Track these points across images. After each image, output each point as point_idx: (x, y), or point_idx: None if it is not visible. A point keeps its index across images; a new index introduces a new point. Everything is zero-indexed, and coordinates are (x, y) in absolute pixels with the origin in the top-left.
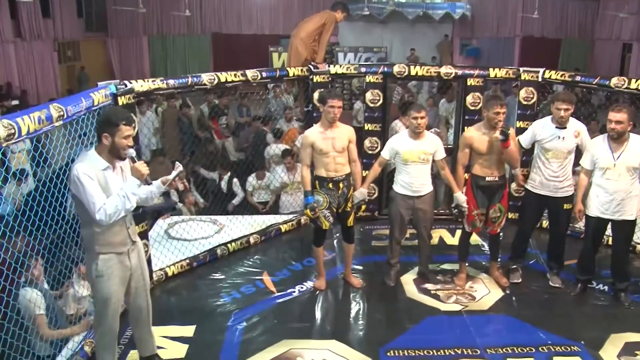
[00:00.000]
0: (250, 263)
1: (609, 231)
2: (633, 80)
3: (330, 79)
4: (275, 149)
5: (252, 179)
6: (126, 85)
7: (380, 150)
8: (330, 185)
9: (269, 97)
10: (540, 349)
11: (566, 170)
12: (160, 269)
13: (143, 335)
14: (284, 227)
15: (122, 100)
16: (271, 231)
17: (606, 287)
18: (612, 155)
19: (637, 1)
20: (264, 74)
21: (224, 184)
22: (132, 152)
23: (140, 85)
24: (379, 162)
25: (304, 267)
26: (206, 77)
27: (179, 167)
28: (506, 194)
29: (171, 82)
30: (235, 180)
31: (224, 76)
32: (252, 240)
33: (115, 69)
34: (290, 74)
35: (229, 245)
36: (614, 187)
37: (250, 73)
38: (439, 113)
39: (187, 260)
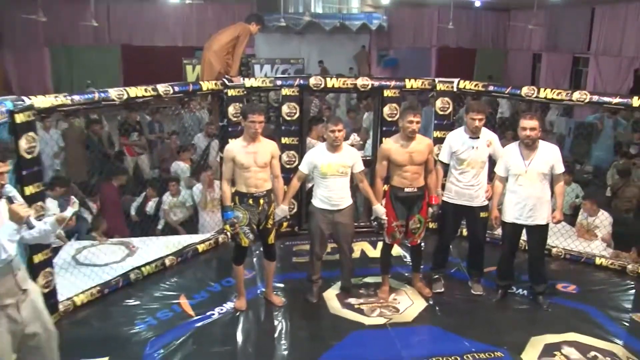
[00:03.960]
0: (167, 286)
1: (525, 236)
2: (542, 90)
3: (245, 92)
4: (182, 166)
5: (166, 197)
6: (24, 102)
7: (298, 164)
8: (251, 201)
9: (182, 112)
10: (465, 357)
11: (480, 180)
12: (68, 299)
13: None
14: (201, 247)
15: (20, 118)
16: (188, 252)
17: (525, 291)
18: (523, 162)
19: (543, 14)
20: (176, 89)
21: (150, 206)
22: (8, 190)
23: (41, 101)
24: (297, 176)
25: (223, 287)
26: (114, 93)
27: (74, 202)
28: (425, 205)
29: (76, 97)
30: (150, 202)
31: (134, 91)
32: (167, 262)
33: (12, 83)
34: (204, 88)
35: (143, 268)
36: (526, 193)
37: (162, 88)
38: (363, 125)
39: (98, 287)
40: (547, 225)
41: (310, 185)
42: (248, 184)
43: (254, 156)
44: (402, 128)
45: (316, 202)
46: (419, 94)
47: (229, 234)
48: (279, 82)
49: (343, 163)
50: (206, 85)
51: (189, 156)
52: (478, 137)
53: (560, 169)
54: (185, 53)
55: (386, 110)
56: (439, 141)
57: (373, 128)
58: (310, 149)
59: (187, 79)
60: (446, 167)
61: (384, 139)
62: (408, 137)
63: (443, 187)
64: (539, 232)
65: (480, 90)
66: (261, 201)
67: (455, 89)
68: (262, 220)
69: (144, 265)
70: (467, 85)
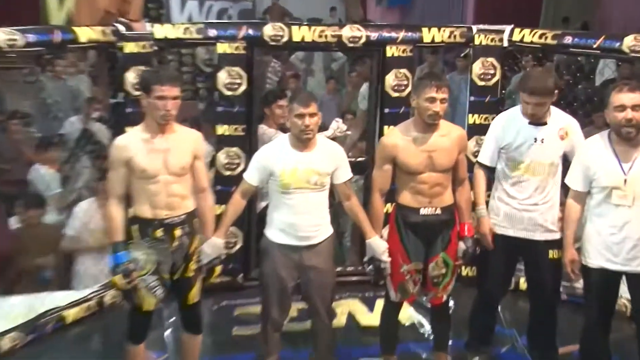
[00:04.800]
0: None
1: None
2: None
3: (155, 48)
4: (43, 173)
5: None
6: None
7: (244, 170)
8: (159, 232)
9: (42, 80)
10: None
11: (549, 194)
12: None
13: None
14: (70, 315)
15: None
16: (47, 323)
17: None
18: (620, 166)
19: None
20: (30, 38)
21: None
22: None
23: None
24: (242, 190)
25: None
26: None
27: None
28: (454, 238)
29: None
30: None
31: None
32: (6, 344)
33: None
34: (81, 39)
35: None
36: (626, 218)
37: (3, 35)
38: (360, 107)
39: None
40: None
41: (263, 204)
42: (155, 204)
43: (163, 157)
44: (417, 110)
45: (273, 232)
46: (444, 53)
47: (121, 289)
48: (212, 32)
49: (318, 168)
50: (85, 33)
51: (58, 156)
52: (545, 123)
53: None
54: None
55: (390, 79)
56: (477, 131)
57: (369, 110)
58: (264, 144)
59: (49, 22)
60: (490, 173)
61: (386, 128)
62: (426, 125)
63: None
64: None
65: (549, 44)
66: (177, 232)
67: (505, 43)
68: (178, 264)
69: None
70: (527, 35)
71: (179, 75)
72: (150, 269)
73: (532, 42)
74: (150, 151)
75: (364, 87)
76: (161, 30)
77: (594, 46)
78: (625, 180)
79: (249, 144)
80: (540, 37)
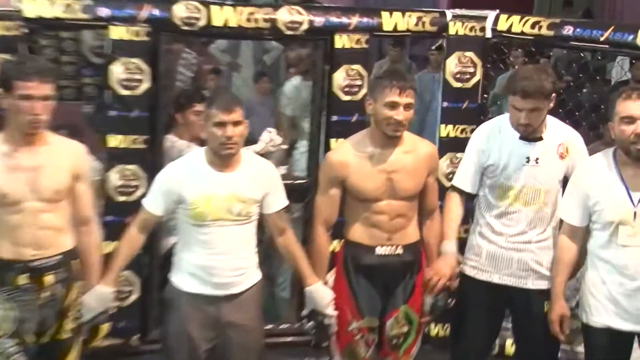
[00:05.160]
0: None
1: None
2: None
3: (24, 30)
4: None
5: None
6: None
7: (144, 194)
8: (23, 279)
9: None
10: None
11: (547, 231)
12: None
13: None
14: None
15: None
16: None
17: None
18: (628, 195)
19: None
20: None
21: None
22: None
23: None
24: (140, 222)
25: None
26: None
27: None
28: (420, 285)
29: None
30: None
31: None
32: None
33: None
34: None
35: None
36: (638, 262)
37: None
38: (284, 112)
39: None
40: None
41: (172, 241)
42: (17, 241)
43: (31, 177)
44: (375, 118)
45: (182, 279)
46: (411, 45)
47: None
48: (103, 11)
49: (242, 194)
50: None
51: None
52: (540, 138)
53: None
54: None
55: (340, 78)
56: (451, 147)
57: (312, 117)
58: (172, 160)
59: None
60: (469, 201)
61: (333, 141)
62: (386, 138)
63: (462, 246)
64: None
65: (544, 36)
66: (48, 278)
67: (489, 33)
68: (49, 322)
69: None
70: (516, 24)
71: (54, 68)
72: (9, 330)
73: (522, 33)
74: (11, 169)
75: (294, 82)
76: (33, 7)
77: (601, 39)
78: (635, 214)
79: (152, 161)
80: (532, 26)
